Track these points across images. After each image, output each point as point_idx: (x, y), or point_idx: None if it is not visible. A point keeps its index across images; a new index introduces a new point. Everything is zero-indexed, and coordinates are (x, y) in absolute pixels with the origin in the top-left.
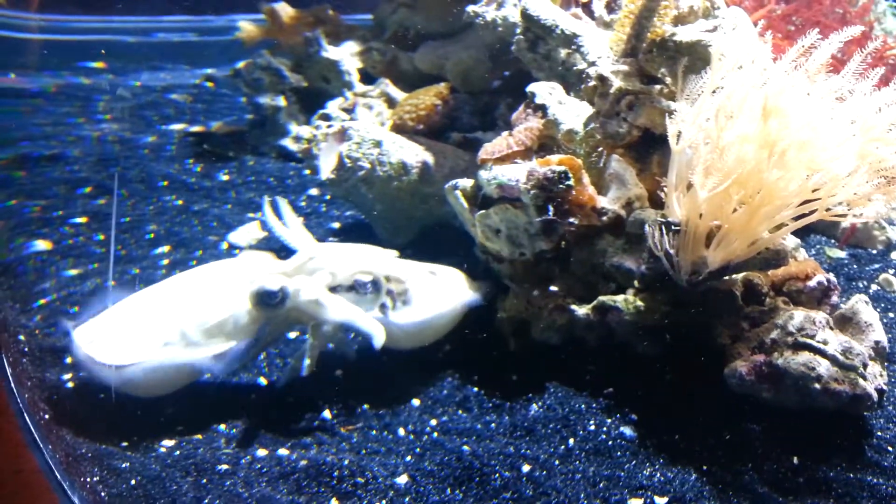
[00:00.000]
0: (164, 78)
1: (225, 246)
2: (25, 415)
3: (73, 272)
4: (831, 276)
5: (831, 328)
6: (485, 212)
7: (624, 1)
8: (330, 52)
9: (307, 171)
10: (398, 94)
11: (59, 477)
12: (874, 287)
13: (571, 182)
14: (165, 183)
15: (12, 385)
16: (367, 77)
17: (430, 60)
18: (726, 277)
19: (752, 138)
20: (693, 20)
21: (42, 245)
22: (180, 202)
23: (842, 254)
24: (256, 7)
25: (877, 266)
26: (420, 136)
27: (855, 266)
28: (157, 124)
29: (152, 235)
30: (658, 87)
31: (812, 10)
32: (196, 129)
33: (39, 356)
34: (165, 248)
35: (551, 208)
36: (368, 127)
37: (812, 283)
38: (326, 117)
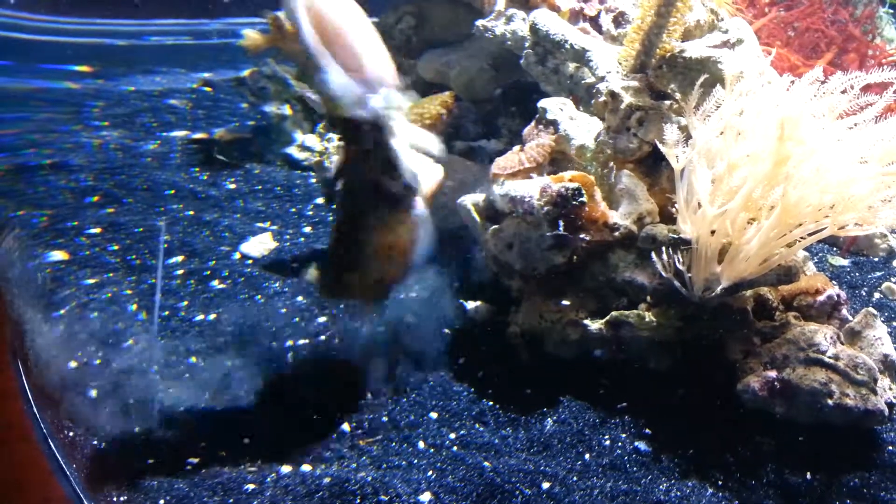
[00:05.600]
0: (159, 82)
1: (238, 256)
2: (50, 440)
3: (91, 281)
4: (841, 292)
5: (842, 343)
6: (497, 226)
7: (632, 16)
8: None
9: (314, 180)
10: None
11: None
12: (877, 295)
13: (584, 199)
14: (173, 192)
15: (34, 409)
16: None
17: (434, 69)
18: (738, 294)
19: (765, 158)
20: (699, 34)
21: (59, 255)
22: (191, 212)
23: (844, 261)
24: (250, 10)
25: (879, 274)
26: None
27: (857, 274)
28: (157, 131)
29: (165, 245)
30: (668, 102)
31: (813, 18)
32: (199, 135)
33: (61, 371)
34: (179, 258)
35: (564, 224)
36: None
37: (822, 297)
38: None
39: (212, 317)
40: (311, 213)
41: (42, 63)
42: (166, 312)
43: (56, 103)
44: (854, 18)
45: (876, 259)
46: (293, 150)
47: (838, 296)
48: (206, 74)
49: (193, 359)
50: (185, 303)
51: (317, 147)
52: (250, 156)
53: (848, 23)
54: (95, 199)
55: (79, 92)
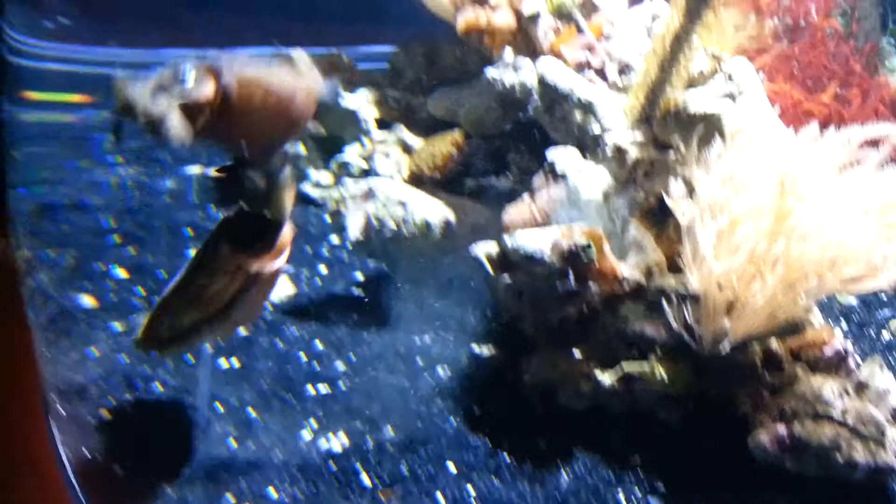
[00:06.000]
0: None
1: None
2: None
3: (121, 329)
4: (847, 344)
5: (849, 395)
6: (509, 277)
7: (637, 68)
8: (347, 100)
9: (328, 218)
10: (414, 140)
11: None
12: (885, 335)
13: (594, 253)
14: (192, 232)
15: (67, 465)
16: (382, 121)
17: (444, 107)
18: (747, 348)
19: (766, 213)
20: (702, 81)
21: (88, 301)
22: None
23: (852, 300)
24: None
25: (887, 311)
26: (437, 183)
27: (865, 312)
28: (172, 167)
29: None
30: (672, 155)
31: (816, 52)
32: (214, 172)
33: (91, 420)
34: None
35: (574, 277)
36: (393, 186)
37: (829, 350)
38: (345, 164)
39: (236, 364)
40: (325, 252)
41: (32, 89)
42: (192, 359)
43: (52, 137)
44: (856, 51)
45: (884, 297)
46: (307, 187)
47: (845, 349)
48: None
49: (219, 406)
50: (211, 349)
51: (329, 183)
52: None
53: (849, 57)
54: (117, 239)
55: (76, 125)
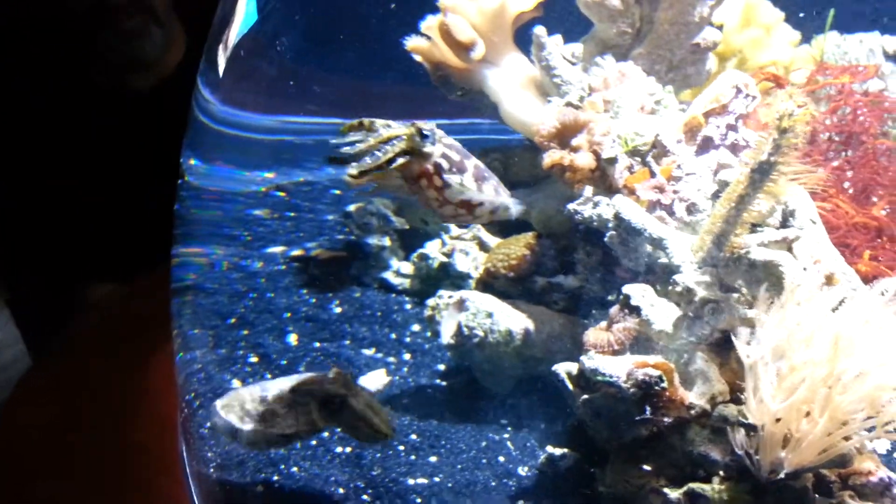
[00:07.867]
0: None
1: None
2: None
3: None
4: (891, 473)
5: None
6: (588, 397)
7: (703, 208)
8: None
9: (408, 306)
10: (489, 238)
11: None
12: None
13: (665, 385)
14: (289, 315)
15: None
16: None
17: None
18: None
19: (818, 363)
20: (762, 219)
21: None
22: (305, 339)
23: None
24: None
25: None
26: (510, 280)
27: None
28: (254, 247)
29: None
30: (736, 295)
31: (868, 168)
32: (296, 252)
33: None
34: None
35: (647, 404)
36: (482, 298)
37: (874, 479)
38: (425, 257)
39: (348, 450)
40: (408, 339)
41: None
42: (314, 442)
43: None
44: None
45: None
46: (389, 276)
47: (889, 478)
48: (269, 174)
49: (341, 489)
50: (327, 434)
51: (410, 273)
52: (349, 278)
53: None
54: (233, 321)
55: None
